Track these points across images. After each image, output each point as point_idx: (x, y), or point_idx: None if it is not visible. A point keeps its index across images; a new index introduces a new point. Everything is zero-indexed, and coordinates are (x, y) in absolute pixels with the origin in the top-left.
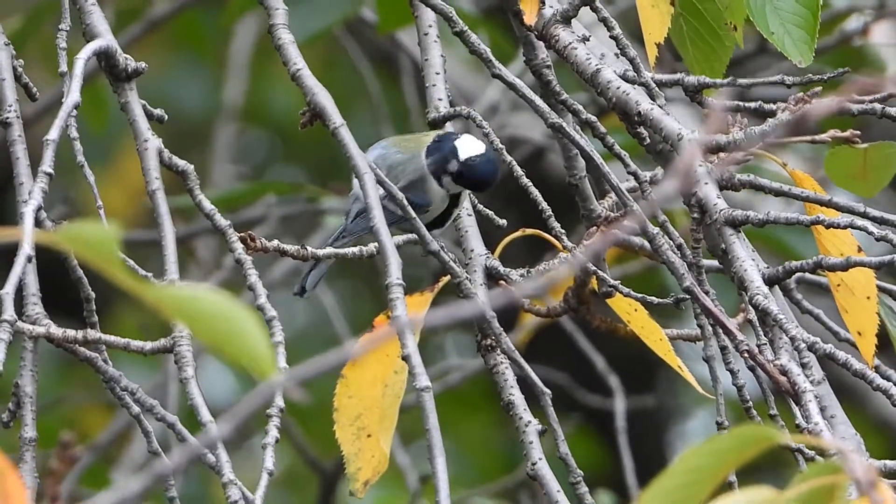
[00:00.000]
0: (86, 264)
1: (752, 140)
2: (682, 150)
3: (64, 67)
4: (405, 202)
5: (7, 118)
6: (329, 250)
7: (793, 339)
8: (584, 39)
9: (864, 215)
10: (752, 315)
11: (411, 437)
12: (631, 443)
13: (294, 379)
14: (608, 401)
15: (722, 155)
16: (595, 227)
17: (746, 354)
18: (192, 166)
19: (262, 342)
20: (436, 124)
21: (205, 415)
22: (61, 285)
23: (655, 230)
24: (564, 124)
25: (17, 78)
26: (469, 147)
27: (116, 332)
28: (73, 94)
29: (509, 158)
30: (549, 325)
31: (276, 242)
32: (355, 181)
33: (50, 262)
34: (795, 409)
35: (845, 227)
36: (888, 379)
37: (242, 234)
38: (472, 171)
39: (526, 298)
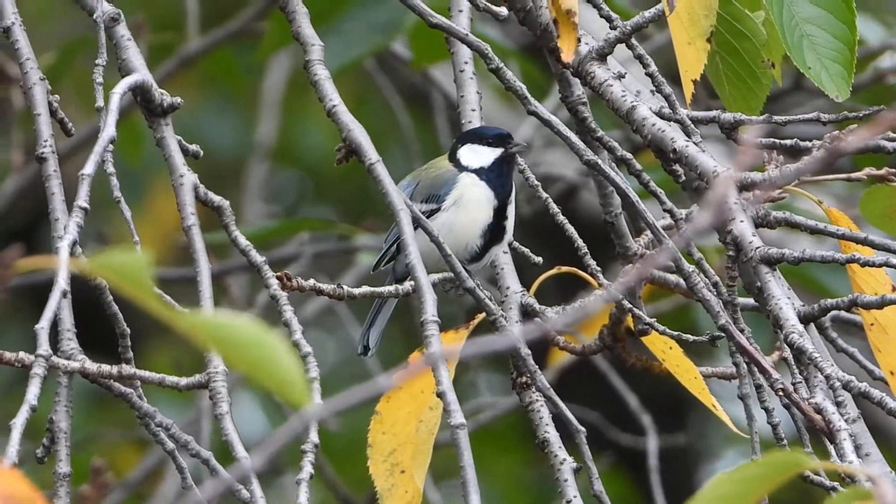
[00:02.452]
0: (120, 300)
1: (787, 177)
2: (716, 184)
3: (100, 102)
4: (441, 240)
5: (43, 153)
6: (365, 289)
7: (828, 378)
8: (620, 76)
9: None
10: (788, 353)
11: (443, 474)
12: (662, 482)
13: (328, 411)
14: (640, 439)
15: (758, 192)
16: (631, 265)
17: (781, 393)
18: (227, 202)
19: (295, 370)
20: None
21: (240, 450)
22: (92, 322)
23: (691, 268)
24: (600, 161)
25: (53, 113)
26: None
27: (149, 368)
28: (108, 129)
29: (545, 196)
30: (582, 363)
31: (312, 282)
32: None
33: (81, 299)
34: (830, 448)
35: (881, 266)
36: None
37: (279, 274)
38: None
39: (558, 331)
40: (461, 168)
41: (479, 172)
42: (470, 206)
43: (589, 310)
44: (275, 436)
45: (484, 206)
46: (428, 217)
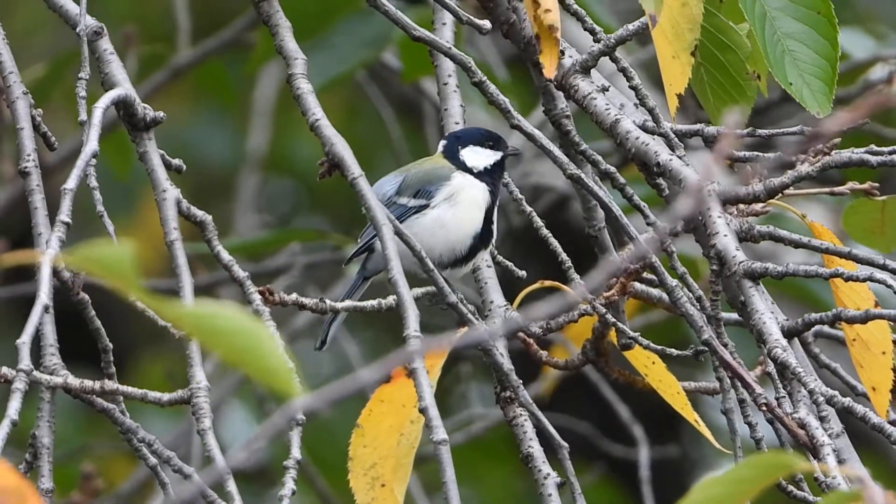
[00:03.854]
0: (105, 311)
1: (771, 191)
2: (691, 185)
3: (84, 116)
4: (423, 254)
5: (26, 167)
6: (348, 303)
7: (811, 393)
8: (604, 89)
9: (883, 267)
10: (771, 368)
11: (435, 487)
12: (656, 492)
13: (312, 402)
14: (632, 450)
15: (741, 206)
16: (614, 279)
17: (765, 407)
18: (210, 217)
19: (281, 359)
20: None
21: (222, 466)
22: (79, 337)
23: (674, 282)
24: (583, 175)
25: (36, 127)
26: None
27: (142, 380)
28: (91, 143)
29: (529, 209)
30: (573, 375)
31: (294, 296)
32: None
33: (67, 313)
34: (814, 462)
35: (864, 281)
36: None
37: (261, 289)
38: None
39: (541, 346)
40: (460, 167)
41: (481, 174)
42: (466, 205)
43: (569, 319)
44: (258, 433)
45: (480, 207)
46: (416, 213)
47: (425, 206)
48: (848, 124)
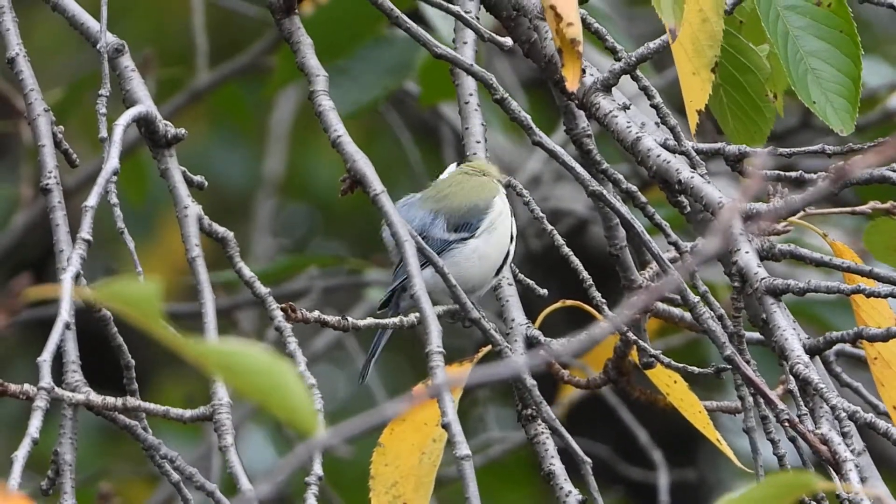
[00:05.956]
0: (127, 330)
1: (792, 208)
2: (721, 213)
3: (104, 133)
4: (445, 270)
5: (47, 185)
6: (370, 321)
7: (833, 409)
8: (625, 108)
9: None
10: (793, 385)
11: None
12: None
13: (333, 439)
14: (650, 474)
15: (763, 224)
16: (635, 296)
17: (787, 424)
18: (231, 233)
19: (305, 398)
20: None
21: (244, 482)
22: (103, 355)
23: (696, 299)
24: (605, 192)
25: (57, 144)
26: None
27: (161, 402)
28: (112, 161)
29: (550, 228)
30: (591, 397)
31: (316, 313)
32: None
33: (91, 332)
34: (836, 479)
35: (886, 297)
36: None
37: (283, 305)
38: None
39: (563, 365)
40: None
41: None
42: (500, 230)
43: (593, 341)
44: (281, 465)
45: (508, 229)
46: (459, 243)
47: (469, 238)
48: (874, 166)
